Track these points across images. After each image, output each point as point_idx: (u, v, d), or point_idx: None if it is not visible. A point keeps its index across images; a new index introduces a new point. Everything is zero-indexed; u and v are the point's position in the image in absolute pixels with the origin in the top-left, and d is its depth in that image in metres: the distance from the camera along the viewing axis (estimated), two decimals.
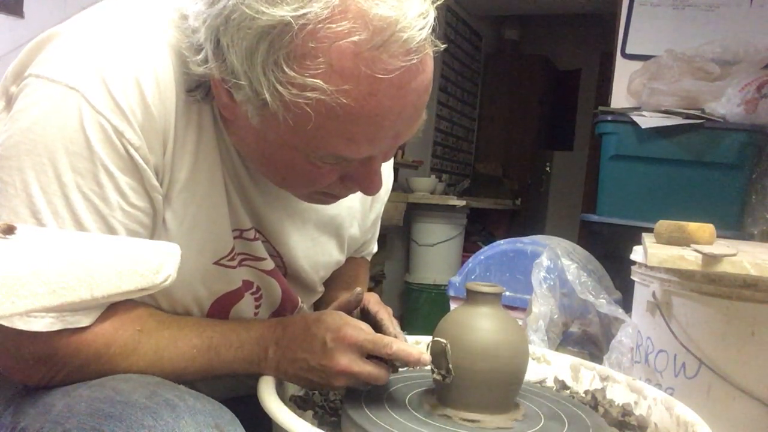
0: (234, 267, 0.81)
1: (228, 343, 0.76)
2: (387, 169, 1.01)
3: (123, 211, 0.69)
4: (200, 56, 0.66)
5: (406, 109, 0.64)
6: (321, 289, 0.99)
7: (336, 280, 1.03)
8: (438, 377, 0.73)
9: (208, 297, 0.81)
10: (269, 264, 0.85)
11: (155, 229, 0.73)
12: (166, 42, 0.71)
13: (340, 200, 0.88)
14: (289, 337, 0.75)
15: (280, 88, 0.61)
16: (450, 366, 0.72)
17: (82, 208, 0.67)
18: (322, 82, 0.60)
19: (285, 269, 0.89)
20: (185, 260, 0.72)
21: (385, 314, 0.83)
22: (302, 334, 0.74)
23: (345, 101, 0.60)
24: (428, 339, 0.82)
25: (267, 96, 0.62)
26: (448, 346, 0.72)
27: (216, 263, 0.79)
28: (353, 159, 0.68)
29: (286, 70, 0.60)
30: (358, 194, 0.92)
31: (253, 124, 0.67)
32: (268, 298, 0.88)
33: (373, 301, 0.86)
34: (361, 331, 0.73)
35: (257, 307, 0.87)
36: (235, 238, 0.80)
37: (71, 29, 0.71)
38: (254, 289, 0.86)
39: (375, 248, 1.12)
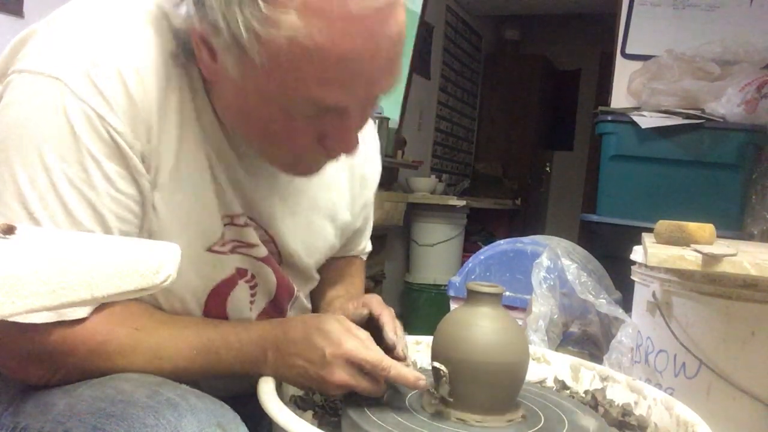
0: (226, 253, 0.81)
1: (228, 345, 0.75)
2: (373, 152, 1.02)
3: (111, 198, 0.69)
4: (182, 10, 0.68)
5: (379, 53, 0.65)
6: (316, 276, 0.99)
7: (333, 279, 1.03)
8: (435, 402, 0.73)
9: (203, 287, 0.81)
10: (262, 251, 0.85)
11: (145, 216, 0.74)
12: (147, 22, 0.72)
13: (331, 183, 0.90)
14: (289, 341, 0.75)
15: (255, 25, 0.62)
16: (446, 394, 0.72)
17: (70, 195, 0.67)
18: (296, 19, 0.61)
19: (279, 255, 0.89)
20: (181, 247, 0.73)
21: (388, 317, 0.83)
22: (302, 341, 0.74)
23: (318, 40, 0.62)
24: (429, 339, 0.82)
25: (243, 35, 0.63)
26: (447, 375, 0.72)
27: (209, 250, 0.79)
28: (328, 106, 0.68)
29: (261, 6, 0.61)
30: (347, 176, 0.94)
31: (233, 77, 0.68)
32: (264, 286, 0.88)
33: (375, 304, 0.85)
34: (361, 346, 0.73)
35: (253, 295, 0.87)
36: (226, 224, 0.80)
37: (49, 23, 0.72)
38: (249, 277, 0.85)
39: (369, 247, 1.11)
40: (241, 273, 0.84)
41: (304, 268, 0.94)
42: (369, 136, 1.01)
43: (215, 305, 0.83)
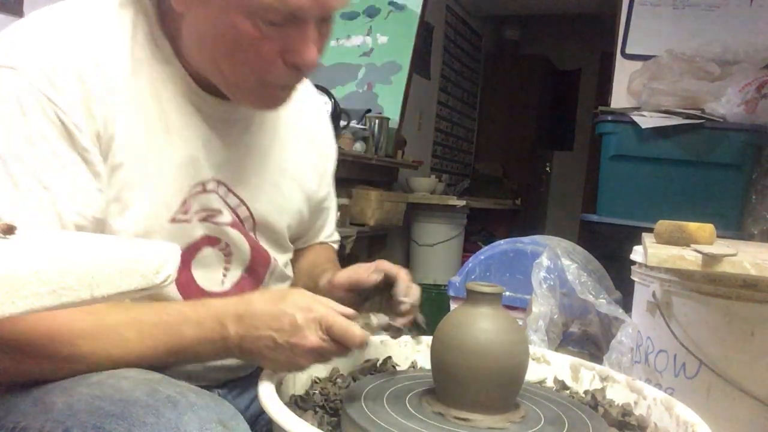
0: (190, 221, 0.83)
1: (187, 320, 0.75)
2: (331, 135, 1.08)
3: (61, 176, 0.72)
4: None
5: None
6: (290, 246, 1.00)
7: (313, 266, 1.05)
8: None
9: None
10: (227, 216, 0.87)
11: (100, 194, 0.76)
12: (107, 7, 0.79)
13: (295, 150, 0.96)
14: (254, 314, 0.74)
15: None
16: (421, 322, 0.80)
17: (19, 171, 0.70)
18: None
19: (252, 218, 0.91)
20: (144, 220, 0.77)
21: (403, 276, 0.86)
22: (270, 310, 0.74)
23: None
24: (429, 339, 0.82)
25: None
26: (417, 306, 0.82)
27: (172, 221, 0.81)
28: (290, 6, 0.72)
29: None
30: (309, 146, 1.00)
31: None
32: (238, 254, 0.89)
33: (389, 265, 0.88)
34: (330, 310, 0.74)
35: (228, 262, 0.89)
36: (196, 193, 0.83)
37: (6, 29, 0.78)
38: (222, 245, 0.87)
39: (338, 236, 1.15)
40: (211, 241, 0.86)
41: (278, 232, 0.95)
42: (328, 124, 1.09)
43: (183, 275, 0.84)
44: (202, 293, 0.86)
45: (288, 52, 0.76)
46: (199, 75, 0.82)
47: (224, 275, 0.88)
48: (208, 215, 0.84)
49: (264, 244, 0.93)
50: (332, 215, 1.12)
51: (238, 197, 0.88)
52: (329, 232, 1.12)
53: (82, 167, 0.74)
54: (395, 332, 0.81)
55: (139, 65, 0.79)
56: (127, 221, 0.77)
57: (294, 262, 1.05)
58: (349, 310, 0.76)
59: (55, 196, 0.72)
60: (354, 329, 0.73)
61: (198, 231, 0.84)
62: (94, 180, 0.75)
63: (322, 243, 1.11)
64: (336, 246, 1.15)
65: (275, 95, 0.82)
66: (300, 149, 0.98)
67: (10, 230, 0.50)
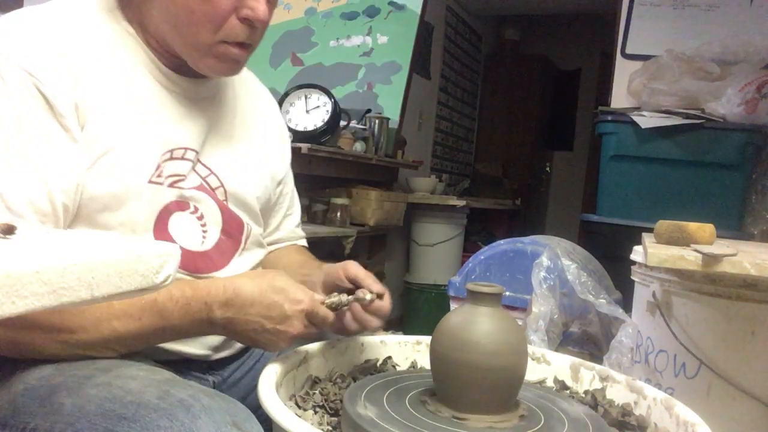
0: (162, 184, 0.87)
1: (173, 300, 0.78)
2: (276, 110, 1.15)
3: (42, 143, 0.77)
4: None
5: None
6: (261, 221, 1.04)
7: (304, 262, 1.08)
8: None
9: (148, 218, 0.86)
10: (193, 181, 0.91)
11: (80, 159, 0.80)
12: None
13: (259, 129, 1.04)
14: (245, 300, 0.79)
15: None
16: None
17: (3, 141, 0.75)
18: None
19: (224, 188, 0.95)
20: (123, 182, 0.82)
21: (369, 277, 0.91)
22: (260, 299, 0.79)
23: None
24: (429, 339, 0.82)
25: None
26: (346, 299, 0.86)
27: (150, 182, 0.85)
28: None
29: None
30: (271, 130, 1.08)
31: None
32: (209, 213, 0.92)
33: (351, 270, 0.92)
34: (312, 300, 0.82)
35: (203, 226, 0.92)
36: (168, 160, 0.87)
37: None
38: (192, 209, 0.91)
39: (303, 233, 1.19)
40: (181, 206, 0.89)
41: (249, 202, 0.99)
42: (279, 112, 1.16)
43: (163, 238, 0.87)
44: (184, 253, 0.88)
45: (241, 8, 0.84)
46: (165, 56, 0.89)
47: (203, 236, 0.92)
48: (175, 181, 0.88)
49: (237, 212, 0.97)
50: (296, 207, 1.17)
51: (207, 168, 0.93)
52: (296, 222, 1.16)
53: (62, 134, 0.79)
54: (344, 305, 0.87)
55: (113, 47, 0.86)
56: (106, 184, 0.81)
57: (279, 260, 1.09)
58: (321, 296, 0.84)
59: (38, 162, 0.76)
60: (329, 315, 0.83)
61: (168, 195, 0.88)
62: (74, 145, 0.79)
63: (296, 246, 1.16)
64: (304, 242, 1.20)
65: (231, 53, 0.87)
66: (259, 126, 1.05)
67: (10, 230, 0.50)
